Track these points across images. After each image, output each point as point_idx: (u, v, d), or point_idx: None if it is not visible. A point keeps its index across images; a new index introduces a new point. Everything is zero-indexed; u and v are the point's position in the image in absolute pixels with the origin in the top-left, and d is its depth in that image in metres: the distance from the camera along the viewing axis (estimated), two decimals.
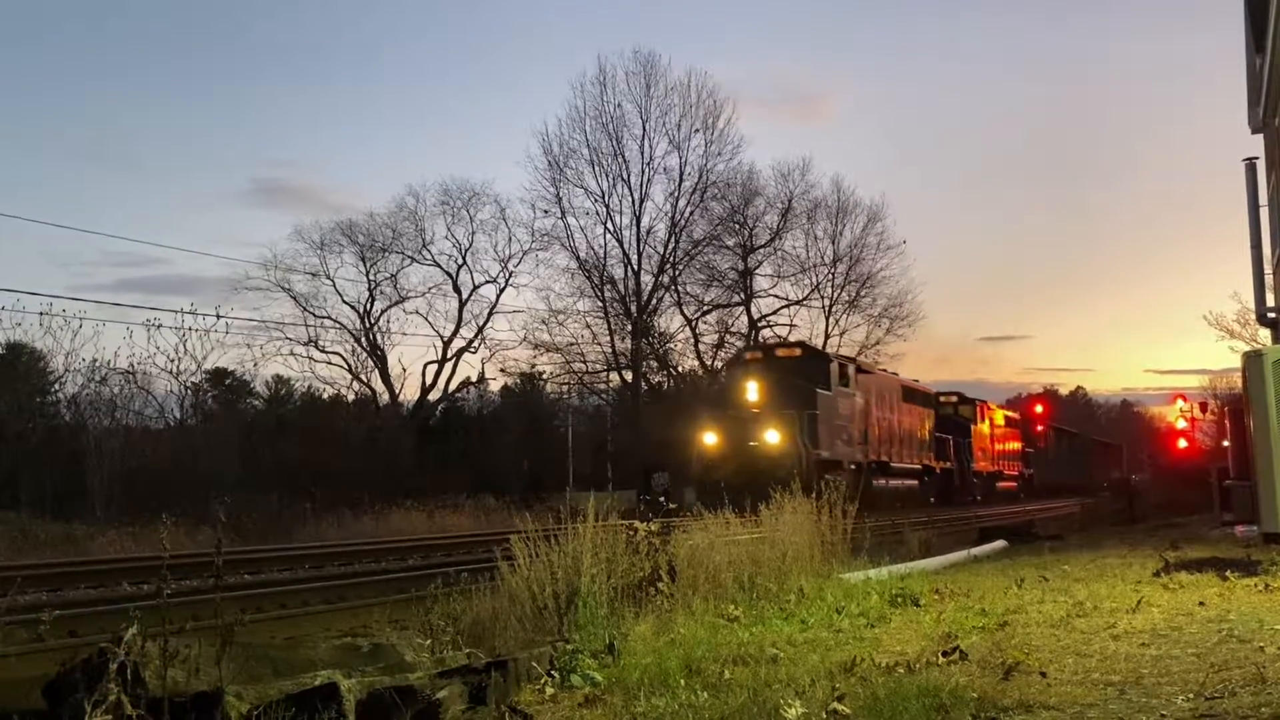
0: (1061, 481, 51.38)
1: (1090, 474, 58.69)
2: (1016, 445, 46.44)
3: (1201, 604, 7.68)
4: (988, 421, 41.61)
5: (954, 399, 39.35)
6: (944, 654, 5.68)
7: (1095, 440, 67.84)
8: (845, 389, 26.19)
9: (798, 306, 42.97)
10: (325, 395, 39.54)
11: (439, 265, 39.80)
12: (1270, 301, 17.43)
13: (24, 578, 8.79)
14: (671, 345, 41.58)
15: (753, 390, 23.82)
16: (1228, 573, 9.30)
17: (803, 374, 24.79)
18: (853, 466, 25.21)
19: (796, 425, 23.23)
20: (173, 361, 28.23)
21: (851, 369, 27.35)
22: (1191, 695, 4.68)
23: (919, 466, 31.66)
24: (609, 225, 39.83)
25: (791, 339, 36.59)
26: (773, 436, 23.07)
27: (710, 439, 23.95)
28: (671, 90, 39.74)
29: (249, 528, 19.96)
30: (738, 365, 27.46)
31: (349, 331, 38.85)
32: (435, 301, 39.94)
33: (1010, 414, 47.26)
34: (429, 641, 5.53)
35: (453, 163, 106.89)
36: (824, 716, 4.36)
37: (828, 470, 22.00)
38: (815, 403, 23.92)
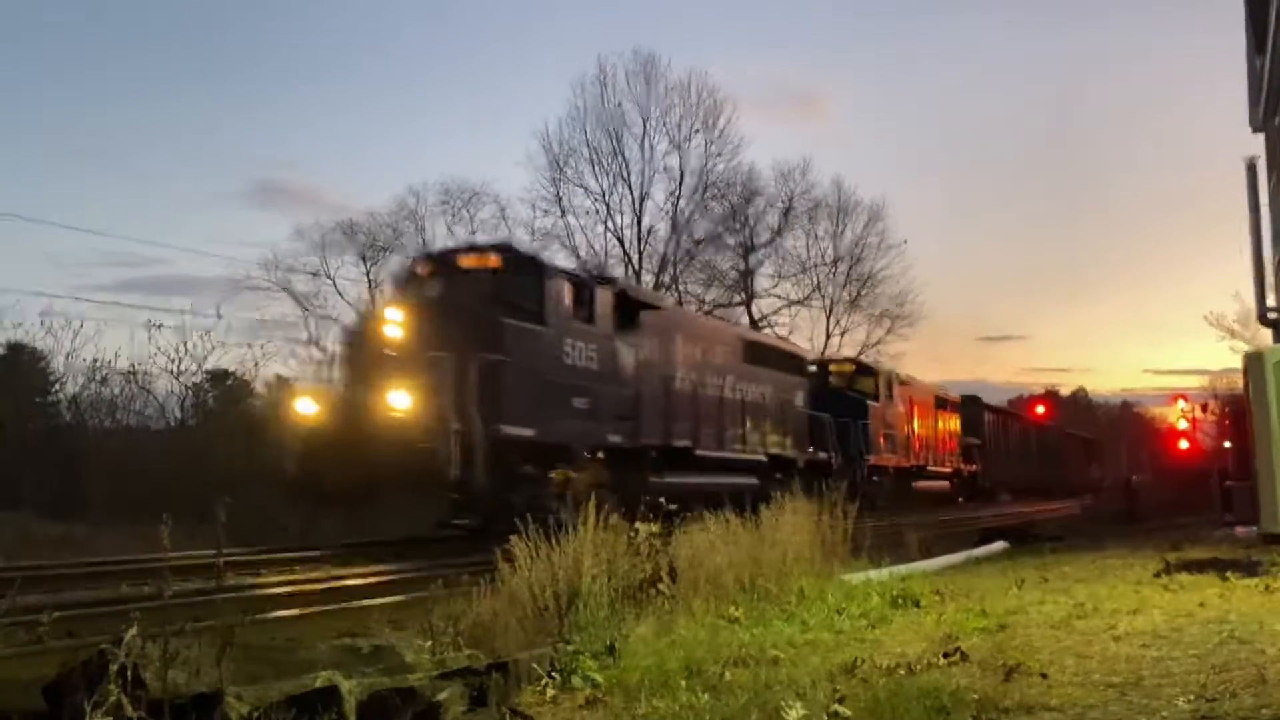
0: (1024, 481, 44.69)
1: (1064, 473, 52.47)
2: (954, 435, 37.26)
3: (1202, 605, 7.67)
4: (903, 400, 31.54)
5: (848, 368, 30.11)
6: (945, 655, 5.68)
7: (1069, 433, 59.97)
8: (585, 326, 15.90)
9: (798, 306, 42.91)
10: None
11: None
12: (1271, 302, 17.44)
13: (24, 579, 8.79)
14: None
15: (394, 321, 13.69)
16: (1228, 574, 9.31)
17: (498, 297, 14.84)
18: (601, 455, 16.01)
19: (454, 381, 13.22)
20: (173, 362, 28.26)
21: (608, 295, 16.67)
22: (1192, 697, 4.68)
23: (762, 457, 21.13)
24: (609, 225, 39.78)
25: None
26: (401, 401, 13.14)
27: (307, 409, 13.95)
28: (671, 90, 39.70)
29: (249, 528, 19.92)
30: (399, 283, 16.88)
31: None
32: None
33: (945, 394, 37.42)
34: (429, 643, 5.53)
35: (453, 163, 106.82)
36: (825, 718, 4.36)
37: (539, 459, 14.55)
38: (502, 342, 13.97)
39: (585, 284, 16.42)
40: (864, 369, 30.68)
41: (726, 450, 19.75)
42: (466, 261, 15.73)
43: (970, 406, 40.34)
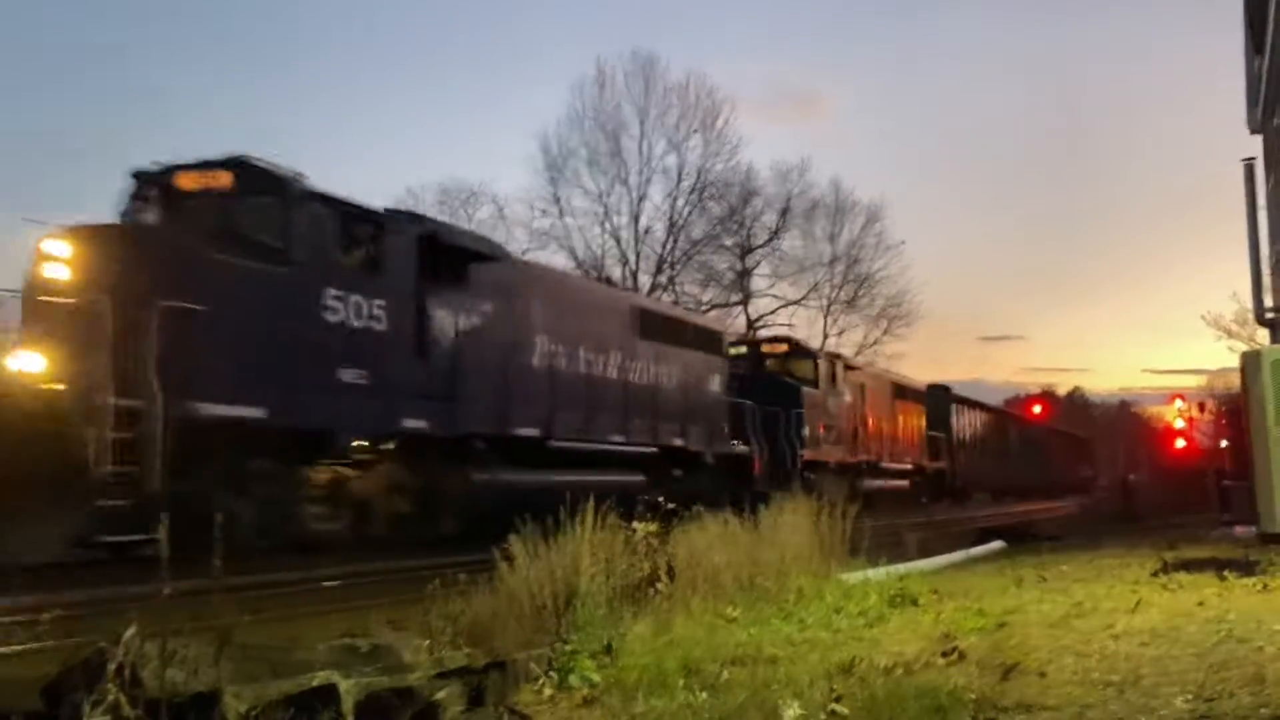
0: (1003, 481, 42.17)
1: (1050, 472, 50.60)
2: (916, 428, 33.37)
3: (1200, 604, 7.67)
4: (851, 388, 27.66)
5: (781, 349, 26.31)
6: (943, 654, 5.68)
7: (1057, 431, 57.56)
8: (365, 274, 12.15)
9: (795, 306, 42.92)
10: None
11: None
12: (1268, 302, 17.45)
13: (23, 578, 8.78)
14: None
15: (56, 257, 10.07)
16: (1226, 573, 9.30)
17: (226, 227, 11.19)
18: (392, 446, 12.64)
19: (117, 337, 9.49)
20: None
21: (407, 238, 12.84)
22: (1191, 695, 4.67)
23: (652, 450, 17.50)
24: (607, 225, 39.84)
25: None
26: (30, 364, 9.70)
27: None
28: (670, 91, 39.80)
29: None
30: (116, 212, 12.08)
31: None
32: None
33: (906, 382, 33.72)
34: (427, 642, 5.52)
35: (451, 163, 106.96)
36: (822, 717, 4.36)
37: (284, 451, 10.97)
38: (204, 285, 10.21)
39: (367, 218, 12.47)
40: (800, 350, 26.76)
41: (598, 441, 16.03)
42: (188, 182, 11.69)
43: (937, 397, 36.33)
